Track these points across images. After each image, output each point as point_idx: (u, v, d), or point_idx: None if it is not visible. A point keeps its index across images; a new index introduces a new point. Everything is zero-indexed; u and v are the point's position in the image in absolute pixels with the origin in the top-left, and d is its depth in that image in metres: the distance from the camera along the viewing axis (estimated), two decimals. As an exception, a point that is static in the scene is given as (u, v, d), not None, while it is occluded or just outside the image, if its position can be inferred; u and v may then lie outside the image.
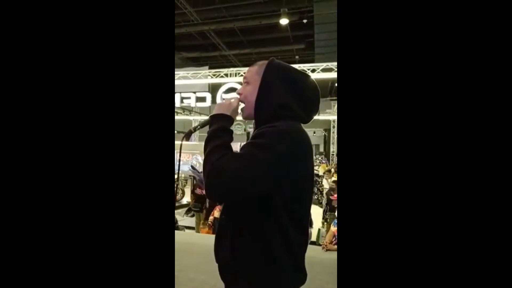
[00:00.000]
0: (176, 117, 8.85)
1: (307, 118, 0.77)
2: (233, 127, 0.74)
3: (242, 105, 0.78)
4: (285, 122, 0.69)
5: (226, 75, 6.64)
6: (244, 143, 0.69)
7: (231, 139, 0.71)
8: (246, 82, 0.78)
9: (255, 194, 0.65)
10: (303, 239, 0.72)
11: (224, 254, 0.71)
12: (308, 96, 0.76)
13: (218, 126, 0.71)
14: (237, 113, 0.77)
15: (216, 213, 3.28)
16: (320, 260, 2.49)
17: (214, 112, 0.75)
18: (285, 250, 0.67)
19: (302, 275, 0.72)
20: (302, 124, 0.75)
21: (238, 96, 0.79)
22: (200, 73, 7.15)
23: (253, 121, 0.78)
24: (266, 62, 0.77)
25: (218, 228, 0.77)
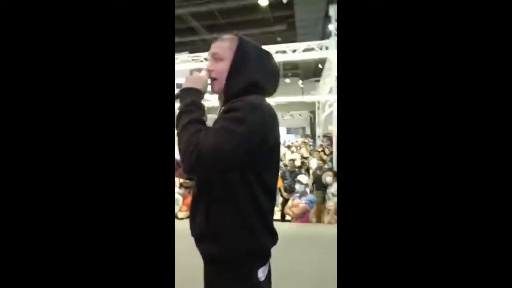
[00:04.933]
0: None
1: (272, 92, 0.81)
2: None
3: (209, 80, 0.77)
4: (254, 96, 0.71)
5: (206, 59, 6.45)
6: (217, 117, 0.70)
7: (203, 113, 0.71)
8: (218, 58, 0.76)
9: (232, 166, 0.68)
10: (272, 203, 0.77)
11: (200, 223, 0.73)
12: (271, 72, 0.80)
13: (190, 100, 0.71)
14: (206, 87, 0.77)
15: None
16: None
17: (184, 85, 0.74)
18: (257, 215, 0.71)
19: (274, 237, 0.77)
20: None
21: (207, 73, 0.77)
22: (178, 58, 6.92)
23: (219, 96, 0.79)
24: (235, 37, 0.76)
25: (192, 200, 0.78)
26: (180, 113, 0.70)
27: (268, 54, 0.80)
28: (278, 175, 0.82)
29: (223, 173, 0.69)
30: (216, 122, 0.68)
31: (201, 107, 0.72)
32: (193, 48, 9.24)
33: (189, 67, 6.63)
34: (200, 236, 0.75)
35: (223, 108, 0.73)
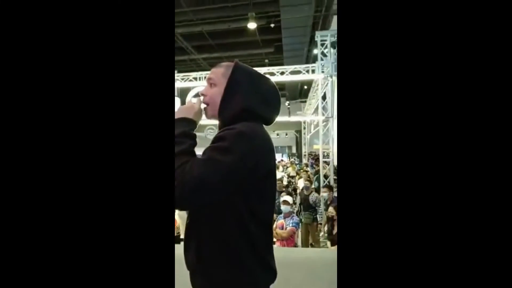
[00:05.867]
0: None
1: (270, 120, 0.78)
2: (205, 132, 0.72)
3: (204, 105, 0.77)
4: (245, 123, 0.69)
5: (195, 78, 6.53)
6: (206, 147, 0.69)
7: (194, 143, 0.70)
8: (212, 84, 0.77)
9: (219, 198, 0.64)
10: (267, 237, 0.73)
11: (191, 259, 0.70)
12: (269, 99, 0.78)
13: (179, 131, 0.69)
14: (200, 116, 0.76)
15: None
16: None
17: (176, 116, 0.72)
18: (249, 250, 0.67)
19: (270, 274, 0.72)
20: (273, 124, 0.77)
21: (201, 98, 0.77)
22: (168, 77, 6.94)
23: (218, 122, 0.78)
24: (231, 64, 0.77)
25: (185, 233, 0.75)
26: None
27: (266, 81, 0.78)
28: (274, 206, 0.77)
29: (210, 206, 0.65)
30: (204, 152, 0.66)
31: (191, 137, 0.70)
32: (183, 67, 9.35)
33: (178, 86, 6.66)
34: (192, 271, 0.72)
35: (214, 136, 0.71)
